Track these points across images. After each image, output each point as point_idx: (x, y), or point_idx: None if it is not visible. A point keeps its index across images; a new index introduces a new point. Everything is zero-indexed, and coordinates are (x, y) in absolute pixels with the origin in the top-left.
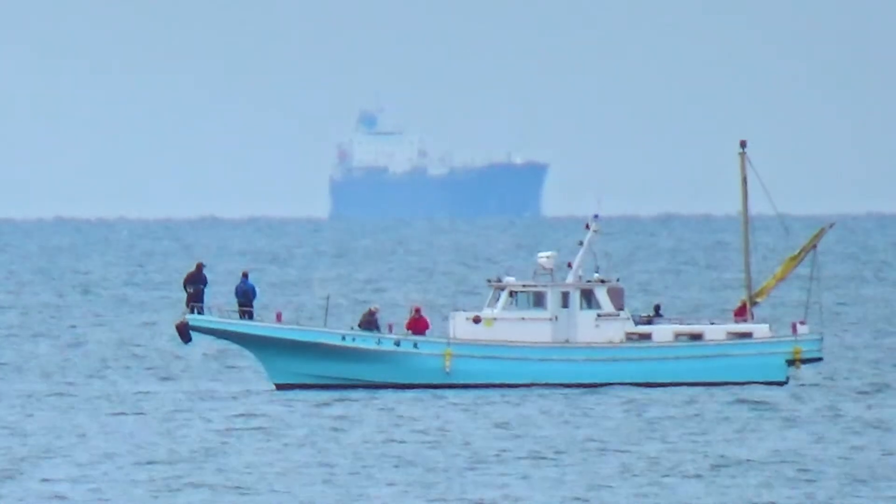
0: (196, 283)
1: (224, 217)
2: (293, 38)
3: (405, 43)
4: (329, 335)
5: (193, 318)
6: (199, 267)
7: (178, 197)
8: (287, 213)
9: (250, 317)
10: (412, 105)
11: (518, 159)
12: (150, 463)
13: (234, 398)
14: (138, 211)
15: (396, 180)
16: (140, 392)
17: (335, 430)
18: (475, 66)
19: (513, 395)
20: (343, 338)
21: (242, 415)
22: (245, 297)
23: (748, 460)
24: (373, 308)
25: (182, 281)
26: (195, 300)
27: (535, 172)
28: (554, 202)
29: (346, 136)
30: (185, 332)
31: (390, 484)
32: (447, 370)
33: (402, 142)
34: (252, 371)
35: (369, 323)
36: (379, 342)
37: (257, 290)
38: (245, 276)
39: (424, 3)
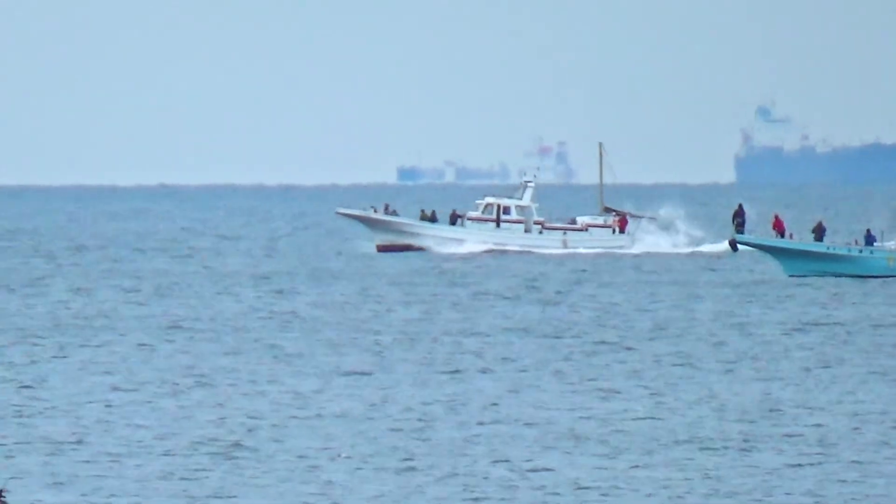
0: (740, 217)
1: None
2: (711, 50)
3: (792, 50)
4: (817, 246)
5: (738, 237)
6: (741, 206)
7: None
8: (697, 180)
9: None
10: (798, 99)
11: (887, 141)
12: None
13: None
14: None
15: (789, 157)
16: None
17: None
18: (852, 62)
19: None
20: (827, 248)
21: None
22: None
23: None
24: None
25: (731, 216)
26: (740, 227)
27: None
28: None
29: (748, 123)
30: (734, 245)
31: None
32: (890, 266)
33: (790, 128)
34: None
35: (820, 234)
36: (849, 251)
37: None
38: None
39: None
